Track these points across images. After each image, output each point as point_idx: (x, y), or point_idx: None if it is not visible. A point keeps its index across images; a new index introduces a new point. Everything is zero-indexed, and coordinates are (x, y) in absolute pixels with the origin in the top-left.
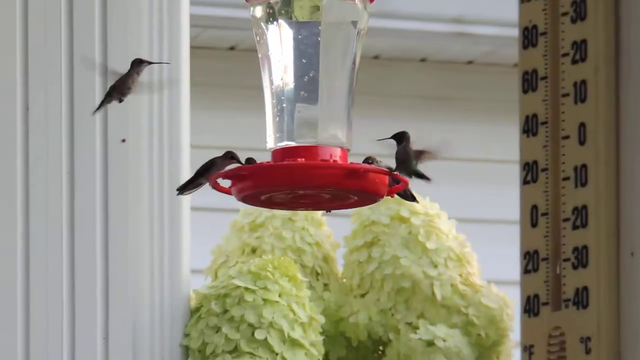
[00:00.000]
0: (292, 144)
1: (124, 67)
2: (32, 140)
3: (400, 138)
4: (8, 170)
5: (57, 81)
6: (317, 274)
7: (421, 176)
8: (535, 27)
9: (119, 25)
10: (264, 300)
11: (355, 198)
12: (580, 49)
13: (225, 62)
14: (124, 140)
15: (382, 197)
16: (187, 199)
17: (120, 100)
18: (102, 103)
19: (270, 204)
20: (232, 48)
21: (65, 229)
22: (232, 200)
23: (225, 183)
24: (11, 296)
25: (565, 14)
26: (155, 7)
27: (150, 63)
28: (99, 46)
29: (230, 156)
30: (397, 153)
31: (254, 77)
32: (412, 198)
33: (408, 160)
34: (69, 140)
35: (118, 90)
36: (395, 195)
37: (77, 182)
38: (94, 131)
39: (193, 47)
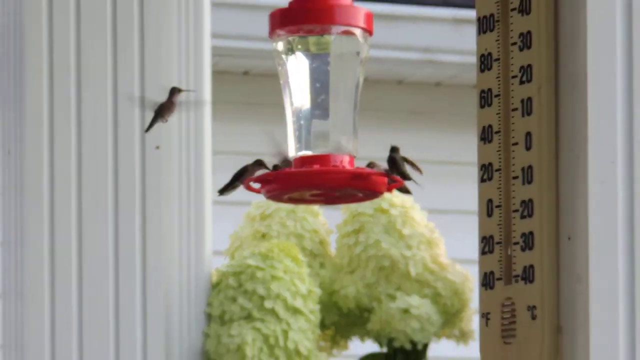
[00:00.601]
0: (309, 153)
1: (160, 92)
2: (85, 148)
3: (393, 149)
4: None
5: (106, 107)
6: (314, 255)
7: (408, 178)
8: (490, 54)
9: (154, 58)
10: (272, 276)
11: (361, 195)
12: (526, 72)
13: (239, 85)
14: (158, 147)
15: (382, 193)
16: (209, 195)
17: (165, 121)
18: (152, 123)
19: (292, 200)
20: (245, 73)
21: (110, 219)
22: (246, 196)
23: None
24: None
25: (514, 43)
26: (182, 43)
27: (183, 91)
28: (138, 76)
29: (259, 163)
30: (390, 159)
31: (263, 96)
32: (408, 192)
33: (398, 165)
34: (113, 146)
35: (163, 113)
36: (395, 191)
37: (120, 181)
38: (133, 140)
39: (214, 72)
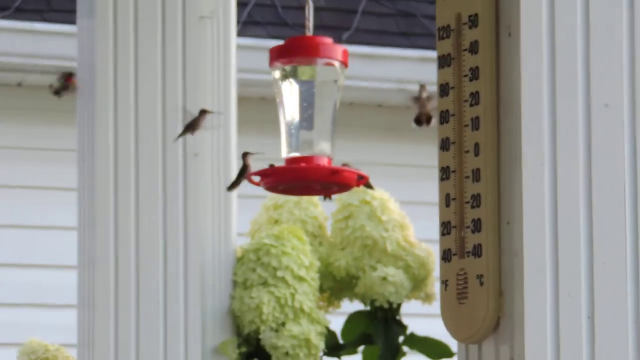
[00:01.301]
0: (297, 154)
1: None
2: (141, 155)
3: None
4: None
5: (156, 124)
6: (315, 236)
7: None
8: (447, 83)
9: (193, 82)
10: (282, 252)
11: (336, 188)
12: (475, 97)
13: (254, 106)
14: (196, 155)
15: (352, 187)
16: (235, 194)
17: (192, 134)
18: (181, 135)
19: (284, 191)
20: (262, 98)
21: (160, 211)
22: (262, 192)
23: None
24: (127, 253)
25: (465, 75)
26: (215, 75)
27: (209, 112)
28: (181, 95)
29: (245, 154)
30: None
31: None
32: (371, 187)
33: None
34: (162, 154)
35: (191, 128)
36: (361, 187)
37: (168, 182)
38: (177, 150)
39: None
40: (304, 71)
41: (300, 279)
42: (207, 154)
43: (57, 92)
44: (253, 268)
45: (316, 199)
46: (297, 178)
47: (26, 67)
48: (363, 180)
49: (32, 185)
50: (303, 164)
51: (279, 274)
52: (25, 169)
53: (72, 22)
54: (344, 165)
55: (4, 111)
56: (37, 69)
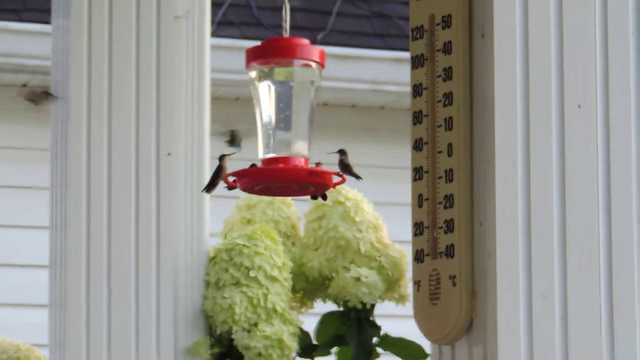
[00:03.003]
0: (274, 155)
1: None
2: (115, 155)
3: (342, 152)
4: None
5: (130, 124)
6: (288, 236)
7: (356, 176)
8: (421, 84)
9: (168, 82)
10: (255, 252)
11: (313, 188)
12: (448, 97)
13: (228, 105)
14: (169, 154)
15: (329, 188)
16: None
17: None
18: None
19: (260, 192)
20: (237, 98)
21: (133, 211)
22: (234, 192)
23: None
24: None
25: (439, 76)
26: (189, 74)
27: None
28: (155, 94)
29: (222, 157)
30: (340, 161)
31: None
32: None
33: (347, 166)
34: (135, 153)
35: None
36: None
37: (140, 181)
38: (151, 148)
39: (213, 98)
40: (281, 72)
41: (273, 279)
42: (180, 154)
43: (34, 101)
44: (226, 268)
45: (289, 199)
46: (275, 179)
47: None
48: (340, 182)
49: (3, 185)
50: (281, 165)
51: (252, 274)
52: None
53: (47, 21)
54: (317, 164)
55: None
56: (11, 67)
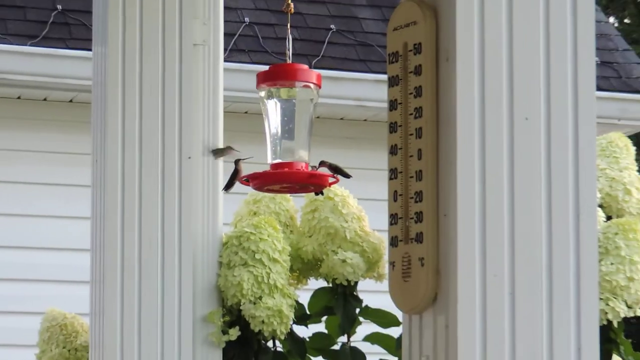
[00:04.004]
0: (280, 160)
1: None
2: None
3: (322, 162)
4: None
5: (156, 127)
6: (287, 225)
7: (346, 175)
8: (396, 100)
9: (188, 98)
10: (260, 238)
11: (312, 187)
12: (418, 111)
13: (238, 118)
14: (190, 157)
15: (325, 187)
16: (220, 189)
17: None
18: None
19: (269, 191)
20: (246, 112)
21: (159, 205)
22: (244, 189)
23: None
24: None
25: (411, 93)
26: (206, 92)
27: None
28: (177, 108)
29: (237, 161)
30: (329, 166)
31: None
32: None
33: (340, 170)
34: (162, 159)
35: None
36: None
37: (166, 180)
38: (174, 152)
39: (226, 112)
40: (286, 92)
41: (275, 260)
42: (198, 157)
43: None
44: (236, 251)
45: (288, 195)
46: (281, 180)
47: (50, 85)
48: (334, 182)
49: (54, 183)
50: (286, 169)
51: (257, 256)
52: (44, 169)
53: (88, 48)
54: (321, 163)
55: (30, 121)
56: (60, 86)
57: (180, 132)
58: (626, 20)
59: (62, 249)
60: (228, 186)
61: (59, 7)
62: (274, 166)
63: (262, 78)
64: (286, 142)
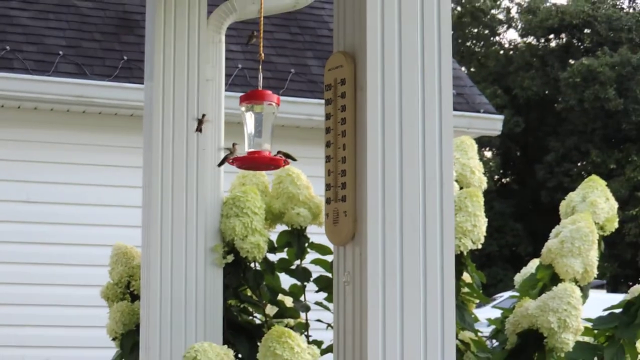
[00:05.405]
0: (253, 149)
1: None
2: (177, 153)
3: (234, 144)
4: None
5: (184, 133)
6: (263, 191)
7: (293, 159)
8: (329, 113)
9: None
10: (246, 199)
11: (273, 167)
12: (343, 120)
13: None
14: (204, 149)
15: (281, 167)
16: (222, 169)
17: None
18: (223, 162)
19: (246, 168)
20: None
21: (184, 181)
22: (237, 170)
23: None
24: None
25: (339, 109)
26: (214, 110)
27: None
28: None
29: (229, 148)
30: (284, 153)
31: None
32: (294, 159)
33: (288, 155)
34: (185, 150)
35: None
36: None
37: (189, 165)
38: (194, 146)
39: (226, 122)
40: (258, 107)
41: (255, 213)
42: (209, 149)
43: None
44: (231, 207)
45: (264, 172)
46: (253, 161)
47: (119, 105)
48: (287, 163)
49: (128, 185)
50: (256, 154)
51: (245, 211)
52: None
53: (142, 82)
54: (278, 152)
55: (107, 128)
56: (125, 105)
57: (197, 135)
58: (472, 69)
59: (127, 226)
60: (221, 163)
61: (125, 57)
62: (250, 153)
63: (243, 98)
64: (257, 139)
